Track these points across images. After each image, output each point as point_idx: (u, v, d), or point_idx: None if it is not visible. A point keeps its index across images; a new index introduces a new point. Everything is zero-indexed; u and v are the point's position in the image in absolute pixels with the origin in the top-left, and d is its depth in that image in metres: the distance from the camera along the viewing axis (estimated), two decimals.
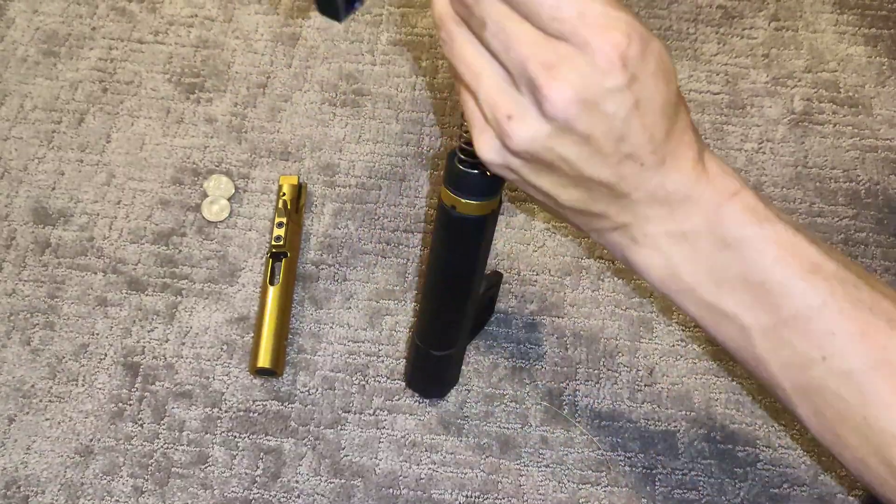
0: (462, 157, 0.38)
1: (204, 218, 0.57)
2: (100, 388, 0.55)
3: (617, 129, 0.28)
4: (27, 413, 0.54)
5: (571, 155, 0.29)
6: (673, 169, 0.30)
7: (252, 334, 0.56)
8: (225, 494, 0.51)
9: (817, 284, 0.31)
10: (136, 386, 0.55)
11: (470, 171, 0.38)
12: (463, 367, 0.55)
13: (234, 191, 0.59)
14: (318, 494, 0.51)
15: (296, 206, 0.60)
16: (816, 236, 0.33)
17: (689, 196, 0.31)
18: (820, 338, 0.31)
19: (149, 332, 0.57)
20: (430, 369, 0.52)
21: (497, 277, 0.55)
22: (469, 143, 0.38)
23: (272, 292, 0.56)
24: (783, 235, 0.31)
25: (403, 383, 0.55)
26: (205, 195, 0.58)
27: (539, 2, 0.26)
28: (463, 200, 0.40)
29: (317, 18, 0.72)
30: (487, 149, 0.30)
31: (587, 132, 0.28)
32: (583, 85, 0.27)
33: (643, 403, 0.54)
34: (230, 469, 0.52)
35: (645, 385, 0.55)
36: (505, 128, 0.29)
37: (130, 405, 0.54)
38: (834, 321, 0.31)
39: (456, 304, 0.46)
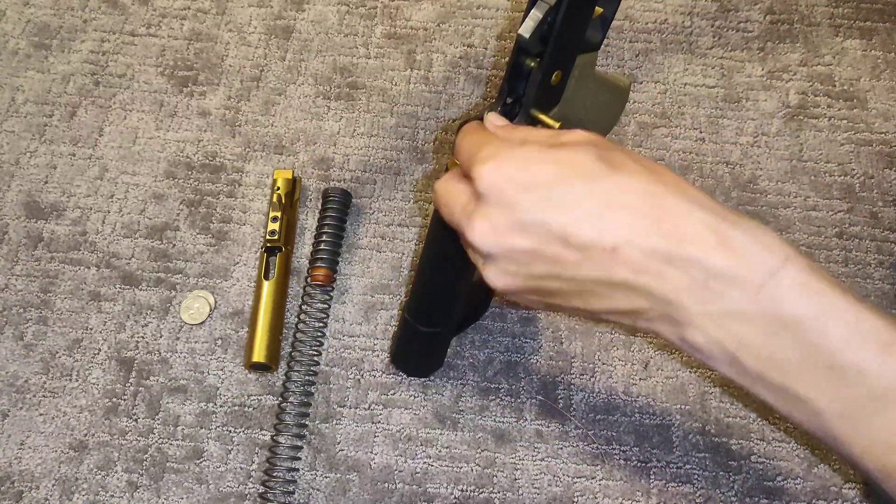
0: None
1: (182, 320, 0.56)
2: (94, 384, 0.54)
3: (550, 232, 0.30)
4: (20, 408, 0.54)
5: (541, 270, 0.31)
6: (678, 245, 0.29)
7: (247, 329, 0.56)
8: (220, 489, 0.51)
9: (892, 362, 0.28)
10: (130, 381, 0.55)
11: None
12: (458, 361, 0.55)
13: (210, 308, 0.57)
14: (313, 489, 0.51)
15: (290, 200, 0.60)
16: (872, 303, 0.31)
17: (718, 273, 0.29)
18: None
19: (143, 326, 0.57)
20: (416, 346, 0.52)
21: None
22: (475, 117, 0.39)
23: (267, 287, 0.56)
24: (845, 311, 0.29)
25: (399, 378, 0.54)
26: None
27: (458, 149, 0.35)
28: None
29: (311, 11, 0.71)
30: (488, 274, 0.33)
31: (525, 248, 0.31)
32: (488, 216, 0.32)
33: (638, 397, 0.54)
34: (225, 463, 0.52)
35: (640, 379, 0.55)
36: (485, 278, 0.33)
37: (125, 400, 0.54)
38: None
39: (449, 281, 0.47)
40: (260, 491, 0.51)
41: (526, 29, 0.36)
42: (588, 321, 0.34)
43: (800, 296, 0.29)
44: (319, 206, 0.61)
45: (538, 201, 0.30)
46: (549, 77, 0.39)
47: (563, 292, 0.32)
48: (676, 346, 0.32)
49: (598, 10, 0.40)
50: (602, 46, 0.68)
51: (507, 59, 0.68)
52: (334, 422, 0.53)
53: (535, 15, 0.36)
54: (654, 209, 0.30)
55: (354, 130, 0.65)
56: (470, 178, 0.32)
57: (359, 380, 0.55)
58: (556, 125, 0.39)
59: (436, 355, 0.54)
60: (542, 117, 0.40)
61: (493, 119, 0.37)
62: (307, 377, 0.53)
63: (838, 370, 0.29)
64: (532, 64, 0.39)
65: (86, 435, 0.53)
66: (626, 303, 0.31)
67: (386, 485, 0.51)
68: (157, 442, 0.53)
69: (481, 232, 0.32)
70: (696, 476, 0.52)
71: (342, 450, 0.52)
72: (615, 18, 0.71)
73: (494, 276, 0.33)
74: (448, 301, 0.49)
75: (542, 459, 0.52)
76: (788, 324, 0.29)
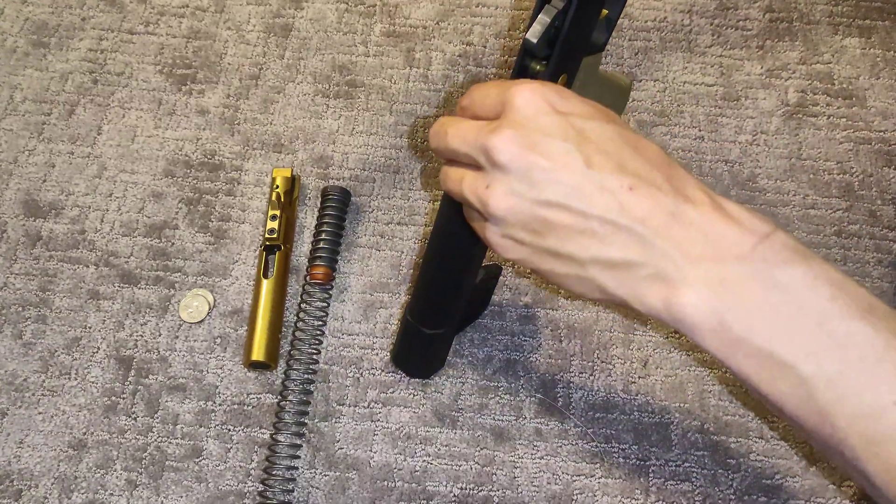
0: None
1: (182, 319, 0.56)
2: (93, 382, 0.54)
3: (575, 157, 0.30)
4: (20, 407, 0.54)
5: (551, 195, 0.31)
6: (684, 202, 0.30)
7: (246, 327, 0.56)
8: (219, 487, 0.51)
9: (878, 324, 0.28)
10: (129, 379, 0.55)
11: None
12: (457, 359, 0.55)
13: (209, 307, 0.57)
14: (313, 487, 0.51)
15: (289, 198, 0.60)
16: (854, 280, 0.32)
17: (717, 234, 0.30)
18: (889, 381, 0.28)
19: (142, 325, 0.56)
20: (418, 347, 0.52)
21: (496, 270, 0.55)
22: None
23: (266, 285, 0.56)
24: (832, 274, 0.29)
25: (398, 376, 0.55)
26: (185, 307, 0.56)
27: (472, 97, 0.34)
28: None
29: (309, 9, 0.71)
30: (492, 236, 0.33)
31: (547, 166, 0.30)
32: (520, 127, 0.31)
33: (637, 395, 0.54)
34: (224, 462, 0.52)
35: (639, 377, 0.55)
36: (484, 198, 0.32)
37: (124, 398, 0.54)
38: None
39: (453, 283, 0.47)
40: (259, 489, 0.51)
41: (534, 33, 0.36)
42: (566, 286, 0.32)
43: (790, 258, 0.29)
44: (318, 205, 0.61)
45: (572, 126, 0.31)
46: (555, 80, 0.39)
47: (563, 229, 0.31)
48: (657, 315, 0.31)
49: (604, 11, 0.40)
50: None
51: (507, 56, 0.68)
52: (333, 420, 0.53)
53: (543, 20, 0.36)
54: (668, 169, 0.31)
55: (353, 129, 0.65)
56: (503, 100, 0.32)
57: (358, 378, 0.55)
58: None
59: (438, 356, 0.54)
60: None
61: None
62: (306, 375, 0.53)
63: (826, 330, 0.28)
64: (538, 67, 0.39)
65: (85, 433, 0.53)
66: (622, 252, 0.31)
67: (385, 483, 0.51)
68: (156, 440, 0.53)
69: (508, 140, 0.31)
70: (694, 474, 0.52)
71: (341, 448, 0.52)
72: None
73: (500, 195, 0.32)
74: (452, 302, 0.49)
75: (542, 457, 0.52)
76: (779, 282, 0.29)
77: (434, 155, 0.34)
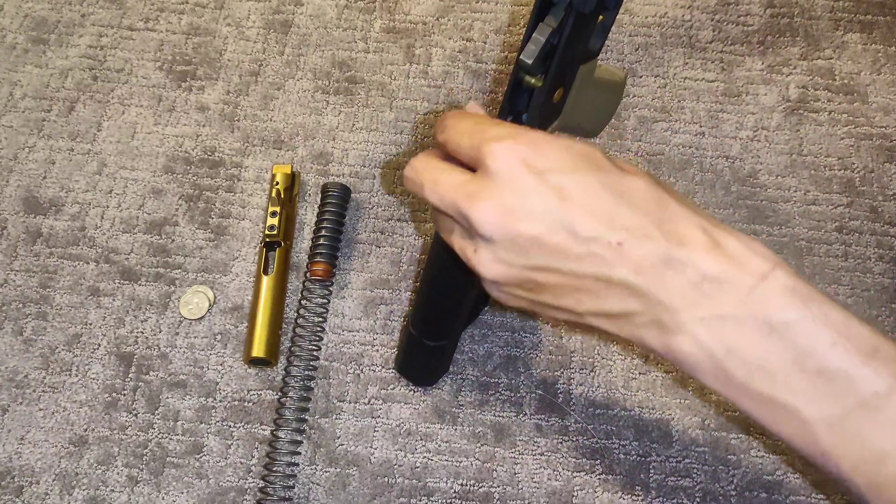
0: None
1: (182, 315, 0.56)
2: (93, 378, 0.55)
3: (558, 221, 0.29)
4: (20, 403, 0.54)
5: (539, 261, 0.30)
6: (677, 246, 0.29)
7: (246, 324, 0.56)
8: (220, 483, 0.51)
9: (879, 369, 0.28)
10: (129, 376, 0.55)
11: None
12: (458, 356, 0.55)
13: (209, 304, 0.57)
14: (313, 483, 0.51)
15: (289, 195, 0.60)
16: (860, 315, 0.31)
17: (711, 276, 0.29)
18: (892, 427, 0.28)
19: (142, 321, 0.56)
20: (423, 358, 0.52)
21: None
22: None
23: (266, 282, 0.56)
24: (833, 316, 0.28)
25: (397, 372, 0.55)
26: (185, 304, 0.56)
27: (447, 136, 0.32)
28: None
29: (309, 5, 0.71)
30: (489, 289, 0.33)
31: (531, 234, 0.30)
32: (497, 195, 0.30)
33: (637, 391, 0.54)
34: (225, 458, 0.52)
35: (639, 373, 0.55)
36: (473, 263, 0.32)
37: (124, 395, 0.54)
38: None
39: (454, 297, 0.46)
40: (260, 486, 0.51)
41: (528, 54, 0.35)
42: (568, 325, 0.33)
43: (789, 299, 0.29)
44: (318, 201, 0.61)
45: (551, 187, 0.30)
46: (551, 96, 0.39)
47: (556, 287, 0.31)
48: (660, 355, 0.31)
49: (598, 17, 0.39)
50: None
51: (507, 52, 0.68)
52: (334, 416, 0.53)
53: (538, 39, 0.35)
54: (658, 210, 0.30)
55: (353, 125, 0.65)
56: (472, 157, 0.31)
57: (358, 374, 0.55)
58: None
59: (442, 364, 0.53)
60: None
61: (476, 108, 0.36)
62: (307, 372, 0.53)
63: (827, 375, 0.28)
64: (533, 82, 0.38)
65: (86, 430, 0.53)
66: (618, 304, 0.30)
67: (386, 479, 0.51)
68: (156, 437, 0.53)
69: (487, 212, 0.30)
70: (695, 470, 0.52)
71: (342, 444, 0.52)
72: None
73: (488, 264, 0.32)
74: (453, 318, 0.48)
75: (542, 454, 0.52)
76: (777, 327, 0.28)
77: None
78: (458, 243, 0.33)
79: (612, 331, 0.32)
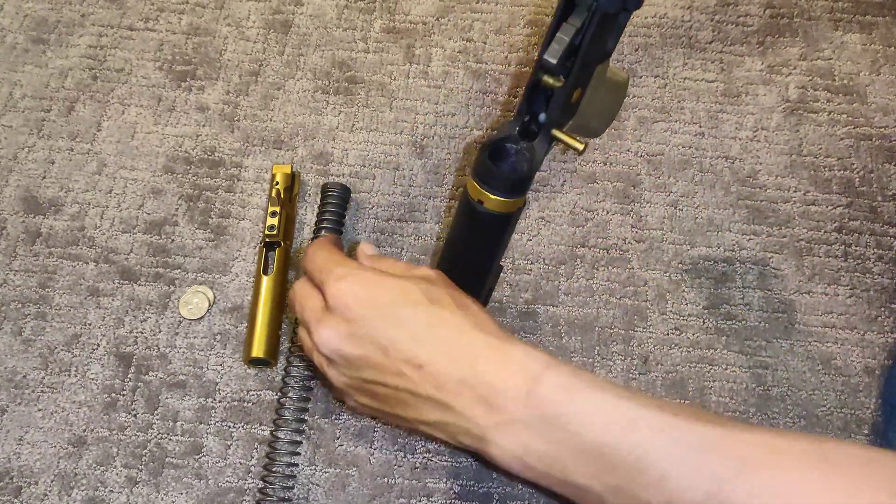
0: (493, 151, 0.38)
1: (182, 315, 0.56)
2: (92, 379, 0.54)
3: (378, 345, 0.38)
4: (19, 403, 0.54)
5: (368, 375, 0.39)
6: (467, 366, 0.36)
7: (246, 324, 0.56)
8: (219, 484, 0.51)
9: (638, 437, 0.33)
10: (129, 376, 0.55)
11: (503, 166, 0.39)
12: None
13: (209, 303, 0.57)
14: (313, 484, 0.51)
15: (289, 195, 0.60)
16: (636, 391, 0.38)
17: (497, 389, 0.35)
18: (657, 484, 0.32)
19: (141, 322, 0.56)
20: None
21: (498, 268, 0.55)
22: (502, 139, 0.39)
23: (266, 282, 0.56)
24: (598, 403, 0.34)
25: None
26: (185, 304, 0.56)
27: (307, 268, 0.43)
28: (492, 196, 0.40)
29: (309, 5, 0.71)
30: (332, 377, 0.41)
31: (357, 354, 0.38)
32: (336, 325, 0.39)
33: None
34: (224, 459, 0.52)
35: (639, 374, 0.55)
36: (325, 374, 0.41)
37: (124, 395, 0.54)
38: (663, 466, 0.32)
39: (480, 265, 0.47)
40: (259, 486, 0.51)
41: (552, 53, 0.35)
42: (409, 431, 0.46)
43: (560, 395, 0.34)
44: (318, 201, 0.61)
45: (374, 318, 0.38)
46: (571, 96, 0.39)
47: (386, 398, 0.39)
48: (483, 456, 0.37)
49: None
50: None
51: (507, 52, 0.68)
52: (334, 417, 0.53)
53: (562, 39, 0.35)
54: (456, 337, 0.37)
55: (353, 125, 0.65)
56: (322, 290, 0.40)
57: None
58: (581, 147, 0.39)
59: None
60: (563, 137, 0.40)
61: (366, 249, 0.46)
62: (306, 372, 0.53)
63: (600, 454, 0.33)
64: (552, 82, 0.38)
65: (85, 430, 0.53)
66: (433, 415, 0.37)
67: (385, 479, 0.51)
68: (156, 437, 0.53)
69: (325, 338, 0.39)
70: None
71: (341, 445, 0.52)
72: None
73: (334, 376, 0.40)
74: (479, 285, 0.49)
75: None
76: (554, 421, 0.34)
77: None
78: (317, 360, 0.41)
79: (440, 437, 0.38)
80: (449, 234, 0.47)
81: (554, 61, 0.35)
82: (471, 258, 0.46)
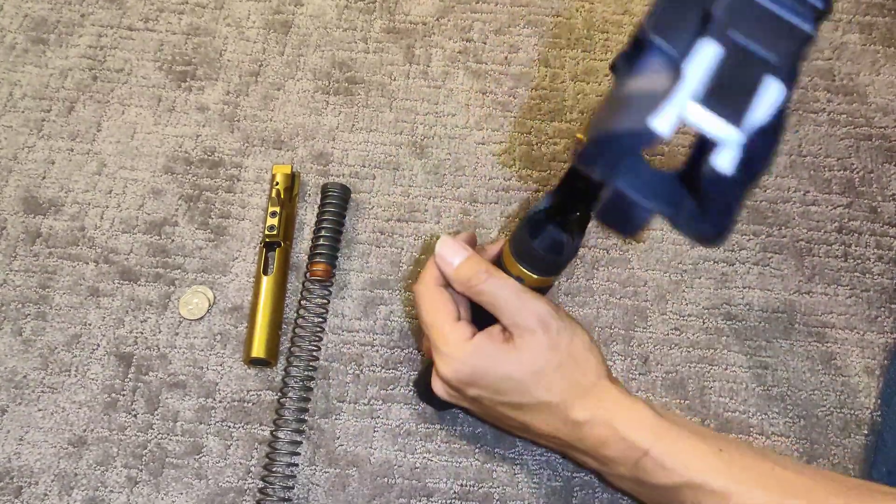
0: (545, 242, 0.39)
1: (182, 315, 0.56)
2: (93, 379, 0.54)
3: (482, 403, 0.43)
4: (19, 404, 0.54)
5: (481, 398, 0.43)
6: (580, 427, 0.41)
7: (246, 324, 0.56)
8: (219, 484, 0.51)
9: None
10: (129, 376, 0.55)
11: (551, 256, 0.39)
12: None
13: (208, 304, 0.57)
14: (312, 484, 0.51)
15: (289, 195, 0.60)
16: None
17: (609, 459, 0.40)
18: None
19: (142, 322, 0.56)
20: None
21: None
22: (541, 211, 0.39)
23: (266, 282, 0.56)
24: (677, 437, 0.39)
25: (399, 373, 0.54)
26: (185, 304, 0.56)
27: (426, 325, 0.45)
28: (535, 276, 0.41)
29: (309, 5, 0.71)
30: (440, 386, 0.46)
31: (471, 395, 0.43)
32: (445, 378, 0.44)
33: (638, 392, 0.54)
34: (225, 459, 0.52)
35: (639, 374, 0.55)
36: (437, 368, 0.44)
37: (124, 395, 0.54)
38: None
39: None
40: (259, 486, 0.51)
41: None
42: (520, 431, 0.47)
43: (666, 474, 0.38)
44: (318, 201, 0.61)
45: (489, 405, 0.44)
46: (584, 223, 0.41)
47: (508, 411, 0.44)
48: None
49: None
50: (602, 41, 0.68)
51: (507, 53, 0.68)
52: (333, 417, 0.53)
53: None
54: (581, 382, 0.41)
55: (353, 125, 0.65)
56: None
57: (358, 375, 0.55)
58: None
59: None
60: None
61: (468, 267, 0.44)
62: (306, 372, 0.53)
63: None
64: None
65: (85, 430, 0.53)
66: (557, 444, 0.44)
67: (385, 479, 0.51)
68: (156, 437, 0.53)
69: (447, 389, 0.45)
70: None
71: (341, 445, 0.52)
72: (615, 13, 0.71)
73: (439, 388, 0.45)
74: None
75: (542, 454, 0.52)
76: (647, 484, 0.40)
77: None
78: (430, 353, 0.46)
79: (543, 442, 0.45)
80: None
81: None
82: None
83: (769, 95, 0.25)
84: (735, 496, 0.36)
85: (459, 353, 0.42)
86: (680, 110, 0.24)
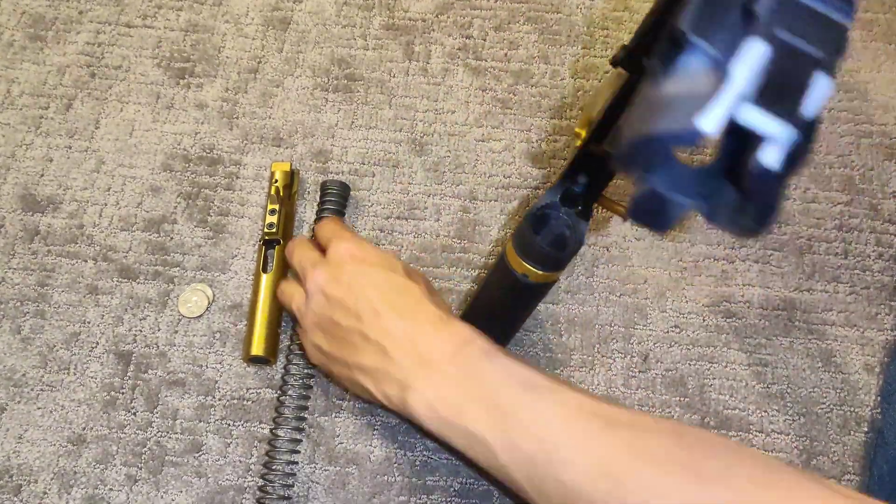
0: (536, 221, 0.40)
1: (181, 313, 0.56)
2: (92, 377, 0.54)
3: (354, 291, 0.45)
4: (18, 402, 0.54)
5: (335, 315, 0.45)
6: (418, 325, 0.43)
7: (245, 322, 0.56)
8: (219, 482, 0.51)
9: (534, 395, 0.39)
10: (128, 374, 0.54)
11: (555, 251, 0.39)
12: None
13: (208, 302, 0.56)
14: (312, 482, 0.51)
15: (288, 192, 0.60)
16: (539, 366, 0.45)
17: (434, 348, 0.41)
18: (539, 437, 0.37)
19: (141, 320, 0.56)
20: None
21: None
22: (544, 206, 0.39)
23: (265, 280, 0.56)
24: (507, 366, 0.41)
25: None
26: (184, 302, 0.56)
27: (319, 237, 0.52)
28: (540, 272, 0.41)
29: (308, 2, 0.71)
30: (304, 342, 0.50)
31: (336, 296, 0.45)
32: (326, 271, 0.47)
33: (637, 390, 0.54)
34: (224, 457, 0.52)
35: (639, 371, 0.55)
36: (299, 311, 0.49)
37: (123, 393, 0.54)
38: (549, 422, 0.38)
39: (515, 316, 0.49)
40: (259, 484, 0.51)
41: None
42: (350, 387, 0.48)
43: (483, 358, 0.41)
44: (318, 199, 0.60)
45: (358, 273, 0.46)
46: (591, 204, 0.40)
47: (341, 340, 0.45)
48: (398, 411, 0.43)
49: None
50: (602, 38, 0.67)
51: (507, 50, 0.68)
52: (333, 415, 0.53)
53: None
54: (414, 303, 0.44)
55: (353, 122, 0.65)
56: (325, 248, 0.49)
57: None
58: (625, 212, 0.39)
59: None
60: (611, 204, 0.40)
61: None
62: (306, 371, 0.53)
63: (500, 407, 0.39)
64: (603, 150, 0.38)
65: (84, 428, 0.53)
66: (372, 360, 0.43)
67: (385, 477, 0.51)
68: (155, 435, 0.52)
69: (316, 276, 0.46)
70: None
71: (341, 443, 0.52)
72: (615, 10, 0.71)
73: (307, 313, 0.47)
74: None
75: None
76: (472, 376, 0.40)
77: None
78: (297, 299, 0.49)
79: (369, 389, 0.44)
80: (482, 290, 0.47)
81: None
82: (505, 318, 0.48)
83: (819, 91, 0.25)
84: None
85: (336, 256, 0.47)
86: (730, 110, 0.24)
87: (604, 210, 0.60)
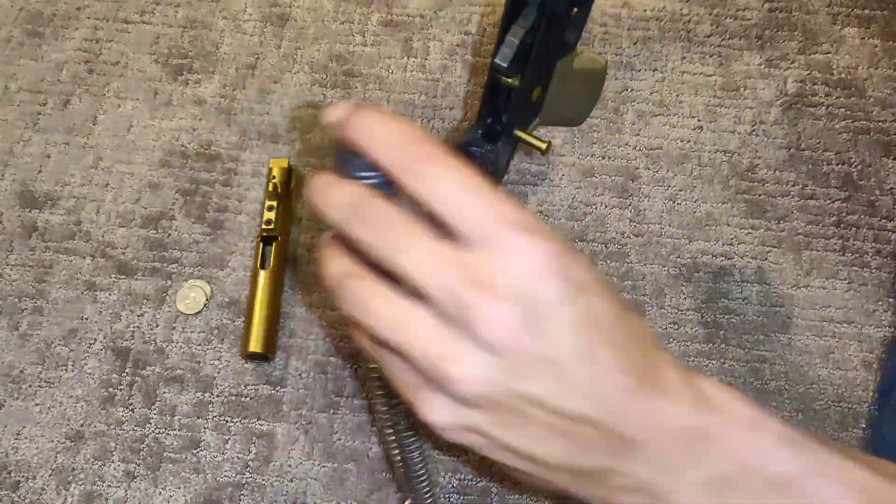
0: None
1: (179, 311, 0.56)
2: (90, 374, 0.54)
3: (580, 350, 0.23)
4: (16, 398, 0.54)
5: (537, 389, 0.23)
6: (663, 394, 0.25)
7: (243, 318, 0.56)
8: (217, 479, 0.51)
9: None
10: (126, 371, 0.54)
11: (490, 169, 0.40)
12: None
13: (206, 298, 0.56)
14: (310, 478, 0.51)
15: (286, 189, 0.60)
16: (853, 450, 0.29)
17: (703, 429, 0.25)
18: None
19: (138, 316, 0.56)
20: None
21: None
22: (465, 143, 0.39)
23: (263, 276, 0.56)
24: (833, 465, 0.26)
25: None
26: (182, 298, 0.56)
27: (445, 203, 0.23)
28: None
29: None
30: (437, 410, 0.24)
31: (548, 357, 0.23)
32: (520, 299, 0.22)
33: None
34: (222, 453, 0.52)
35: None
36: (446, 371, 0.23)
37: (121, 390, 0.54)
38: None
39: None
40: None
41: (503, 57, 0.34)
42: (522, 484, 0.36)
43: (787, 451, 0.26)
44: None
45: (581, 305, 0.24)
46: (529, 95, 0.39)
47: (535, 428, 0.25)
48: None
49: (574, 10, 0.38)
50: (601, 34, 0.67)
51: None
52: (332, 411, 0.53)
53: (511, 41, 0.34)
54: (651, 350, 0.26)
55: None
56: (482, 237, 0.23)
57: (357, 370, 0.54)
58: (543, 145, 0.39)
59: None
60: (527, 137, 0.40)
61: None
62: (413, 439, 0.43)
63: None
64: (510, 82, 0.38)
65: (82, 425, 0.53)
66: (595, 461, 0.26)
67: (384, 474, 0.51)
68: (153, 432, 0.52)
69: (503, 314, 0.23)
70: None
71: (339, 439, 0.52)
72: (615, 5, 0.71)
73: (475, 371, 0.23)
74: None
75: None
76: (776, 483, 0.26)
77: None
78: (422, 344, 0.24)
79: (579, 493, 0.27)
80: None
81: (505, 64, 0.34)
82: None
83: None
84: None
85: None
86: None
87: (602, 205, 0.60)
